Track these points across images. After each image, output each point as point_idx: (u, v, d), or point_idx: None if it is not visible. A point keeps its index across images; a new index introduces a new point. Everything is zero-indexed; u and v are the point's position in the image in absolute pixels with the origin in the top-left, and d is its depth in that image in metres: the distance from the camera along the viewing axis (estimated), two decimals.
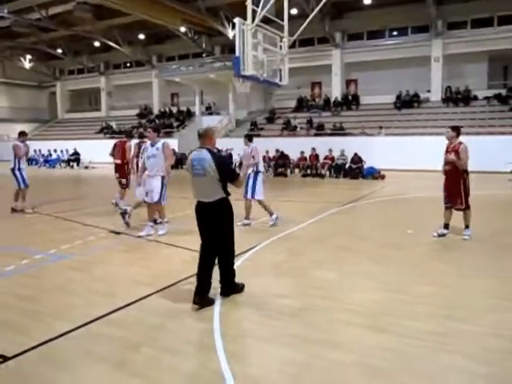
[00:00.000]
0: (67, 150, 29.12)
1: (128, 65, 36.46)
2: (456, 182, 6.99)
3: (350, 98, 27.29)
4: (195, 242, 7.01)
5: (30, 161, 29.38)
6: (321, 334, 3.78)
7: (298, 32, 9.79)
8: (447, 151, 7.08)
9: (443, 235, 7.19)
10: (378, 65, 26.34)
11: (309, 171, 19.94)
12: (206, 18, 25.46)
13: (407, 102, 25.22)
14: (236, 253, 6.17)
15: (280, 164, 20.47)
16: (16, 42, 32.93)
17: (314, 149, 20.04)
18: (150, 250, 6.79)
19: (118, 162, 10.23)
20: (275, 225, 8.26)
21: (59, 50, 34.94)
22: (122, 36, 30.77)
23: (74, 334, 3.80)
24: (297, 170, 20.75)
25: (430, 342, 3.59)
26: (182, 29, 27.86)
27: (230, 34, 26.81)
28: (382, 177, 17.95)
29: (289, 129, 25.45)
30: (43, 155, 30.90)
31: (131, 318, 4.13)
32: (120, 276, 5.48)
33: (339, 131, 23.53)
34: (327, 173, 19.61)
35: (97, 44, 32.82)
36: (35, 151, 31.46)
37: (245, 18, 9.20)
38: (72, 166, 28.20)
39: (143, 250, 6.79)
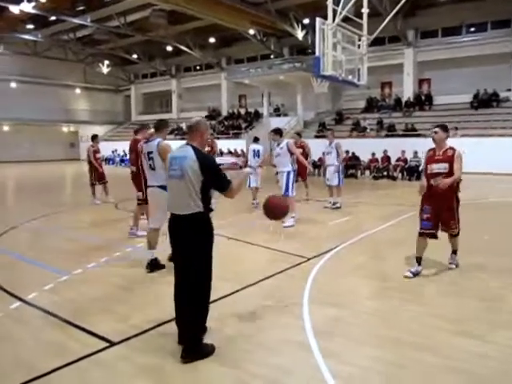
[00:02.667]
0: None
1: (198, 68, 37.49)
2: (448, 199, 5.25)
3: (422, 97, 26.32)
4: (275, 241, 7.16)
5: (108, 160, 31.13)
6: (412, 337, 3.71)
7: (378, 30, 9.61)
8: (433, 159, 5.32)
9: (418, 274, 5.32)
10: (453, 63, 25.17)
11: (380, 173, 19.47)
12: (275, 20, 25.60)
13: (485, 101, 23.90)
14: (316, 253, 6.27)
15: (350, 165, 20.16)
16: (96, 49, 34.98)
17: (385, 151, 19.56)
18: (231, 248, 6.93)
19: None
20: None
21: (134, 55, 36.61)
22: (194, 40, 31.68)
23: (169, 326, 3.95)
24: (367, 172, 20.34)
25: None
26: (251, 31, 28.20)
27: (299, 34, 26.82)
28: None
29: (358, 130, 24.99)
30: (119, 155, 32.52)
31: (223, 313, 4.24)
32: None
33: (411, 132, 22.77)
34: (399, 175, 19.05)
35: (169, 48, 34.00)
36: (112, 152, 33.26)
37: (315, 19, 9.14)
38: None
39: (224, 248, 6.93)
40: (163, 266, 5.58)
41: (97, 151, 12.00)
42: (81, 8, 26.19)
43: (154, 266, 5.56)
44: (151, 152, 5.56)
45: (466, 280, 5.22)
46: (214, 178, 3.45)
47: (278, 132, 8.51)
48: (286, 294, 4.71)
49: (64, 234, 7.99)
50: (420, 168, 18.48)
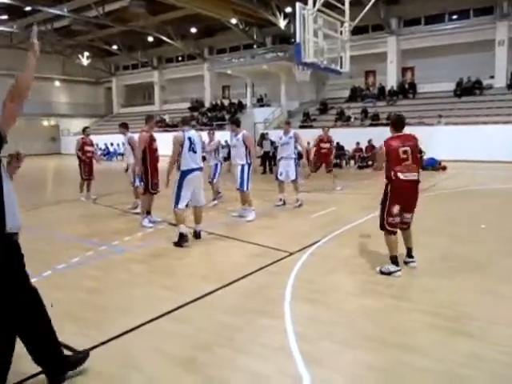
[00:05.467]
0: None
1: (180, 59, 36.85)
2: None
3: (406, 86, 26.23)
4: (257, 235, 6.91)
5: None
6: (401, 337, 3.48)
7: (360, 16, 9.34)
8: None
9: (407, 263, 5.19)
10: (436, 51, 25.08)
11: (365, 162, 19.35)
12: (257, 9, 25.18)
13: (468, 89, 23.89)
14: (299, 248, 6.03)
15: (335, 155, 19.96)
16: (75, 40, 34.08)
17: (370, 140, 19.42)
18: (210, 243, 6.66)
19: None
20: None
21: (114, 47, 35.84)
22: (175, 30, 31.06)
23: (141, 330, 3.70)
24: (352, 162, 20.21)
25: None
26: (234, 20, 27.74)
27: (282, 23, 26.45)
28: (443, 168, 17.10)
29: (342, 119, 24.82)
30: (100, 149, 31.85)
31: (198, 315, 3.99)
32: (181, 270, 5.39)
33: None
34: None
35: (150, 39, 33.32)
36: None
37: (295, 7, 8.82)
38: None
39: (203, 243, 6.66)
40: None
41: (87, 143, 11.46)
42: None
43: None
44: None
45: (461, 271, 4.97)
46: None
47: (288, 123, 9.62)
48: (267, 293, 4.46)
49: (35, 233, 7.60)
50: None
